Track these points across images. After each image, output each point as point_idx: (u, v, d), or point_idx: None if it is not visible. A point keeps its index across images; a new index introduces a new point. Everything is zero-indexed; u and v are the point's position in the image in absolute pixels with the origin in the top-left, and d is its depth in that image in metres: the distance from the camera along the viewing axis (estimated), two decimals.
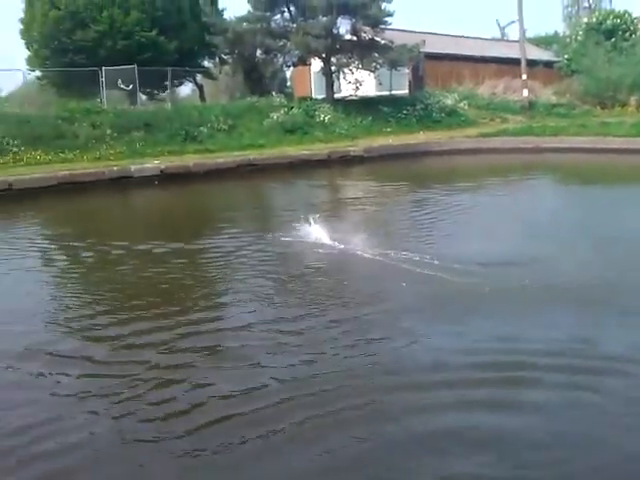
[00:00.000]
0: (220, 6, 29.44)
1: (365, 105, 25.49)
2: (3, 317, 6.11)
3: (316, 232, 8.59)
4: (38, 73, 28.55)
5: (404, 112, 25.67)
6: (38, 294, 6.92)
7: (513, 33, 44.91)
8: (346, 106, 25.11)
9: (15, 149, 17.38)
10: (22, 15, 28.03)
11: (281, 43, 25.10)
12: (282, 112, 22.88)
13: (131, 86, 23.93)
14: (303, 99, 26.00)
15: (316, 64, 27.45)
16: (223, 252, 8.46)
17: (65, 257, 9.05)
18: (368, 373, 4.53)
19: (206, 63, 31.27)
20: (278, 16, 25.72)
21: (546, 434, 3.66)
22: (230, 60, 28.06)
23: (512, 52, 32.12)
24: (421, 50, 25.36)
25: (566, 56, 35.85)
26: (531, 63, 30.92)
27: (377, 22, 24.43)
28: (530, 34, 39.37)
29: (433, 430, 3.74)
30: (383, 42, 24.76)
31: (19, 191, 14.21)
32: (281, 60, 26.80)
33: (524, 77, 29.06)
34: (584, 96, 31.03)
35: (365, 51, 24.71)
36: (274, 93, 25.88)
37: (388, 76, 27.64)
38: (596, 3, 51.30)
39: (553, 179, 16.42)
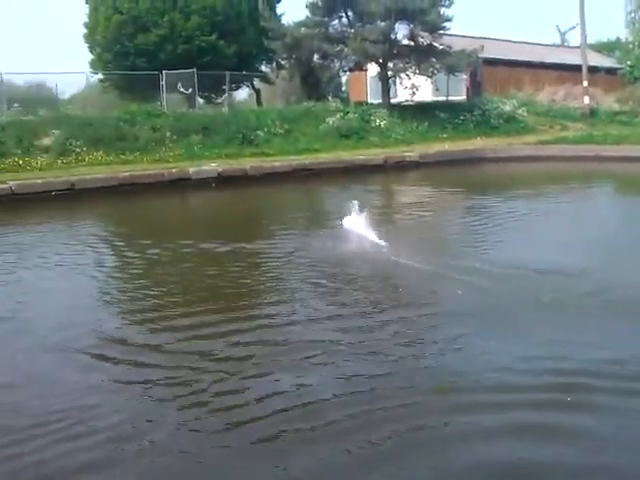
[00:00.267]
0: (278, 11, 29.73)
1: (421, 110, 25.35)
2: (71, 310, 6.28)
3: (369, 236, 8.59)
4: (100, 76, 29.27)
5: (461, 118, 25.44)
6: (103, 288, 7.14)
7: (573, 39, 44.04)
8: (402, 111, 25.03)
9: (78, 150, 17.85)
10: (86, 20, 28.80)
11: (338, 48, 25.17)
12: (338, 117, 22.94)
13: (190, 90, 24.34)
14: (359, 104, 26.00)
15: (372, 69, 27.42)
16: (280, 253, 8.56)
17: (129, 254, 9.20)
18: (415, 380, 4.49)
19: (263, 68, 31.62)
20: (336, 21, 25.86)
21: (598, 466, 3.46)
22: (287, 65, 28.24)
23: (573, 58, 31.50)
24: (479, 55, 25.08)
25: (629, 62, 35.02)
26: (592, 69, 30.26)
27: (435, 27, 24.29)
28: (591, 40, 38.51)
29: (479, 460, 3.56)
30: (441, 47, 24.61)
31: (81, 190, 14.59)
32: (338, 65, 26.84)
33: (585, 84, 28.44)
34: None
35: (422, 56, 24.58)
36: (330, 98, 25.96)
37: (445, 81, 27.42)
38: None
39: (614, 189, 16.03)
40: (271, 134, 21.28)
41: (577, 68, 29.18)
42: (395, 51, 24.70)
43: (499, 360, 4.73)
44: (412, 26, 24.46)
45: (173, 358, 4.94)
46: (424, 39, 24.74)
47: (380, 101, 26.30)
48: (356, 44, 23.87)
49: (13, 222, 12.23)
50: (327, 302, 6.28)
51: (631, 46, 37.53)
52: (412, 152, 20.29)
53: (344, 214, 9.71)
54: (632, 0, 40.39)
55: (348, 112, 23.60)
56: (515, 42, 35.23)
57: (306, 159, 18.64)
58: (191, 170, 16.40)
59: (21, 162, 16.52)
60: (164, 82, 23.62)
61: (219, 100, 28.74)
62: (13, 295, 6.99)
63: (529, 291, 6.24)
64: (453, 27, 24.94)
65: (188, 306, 6.29)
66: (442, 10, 24.41)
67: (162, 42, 26.34)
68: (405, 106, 25.91)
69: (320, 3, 25.19)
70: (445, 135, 23.98)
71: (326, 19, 25.50)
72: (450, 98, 28.47)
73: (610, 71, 34.56)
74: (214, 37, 26.64)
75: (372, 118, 23.69)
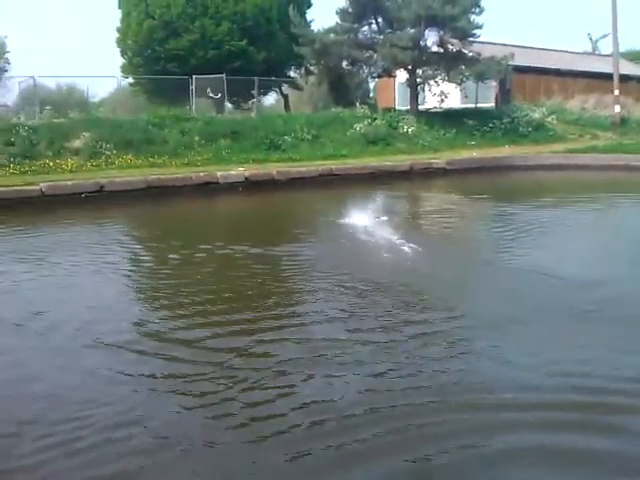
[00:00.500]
0: (308, 17, 29.85)
1: (449, 117, 25.29)
2: (93, 312, 6.36)
3: (393, 242, 8.63)
4: (131, 80, 29.61)
5: (490, 125, 25.33)
6: (128, 292, 7.27)
7: (605, 47, 43.68)
8: (430, 118, 24.97)
9: (107, 152, 18.08)
10: (119, 24, 29.18)
11: (367, 54, 25.22)
12: (365, 123, 22.95)
13: (219, 95, 24.51)
14: (387, 110, 25.97)
15: (401, 75, 27.40)
16: (304, 257, 8.61)
17: (152, 257, 9.34)
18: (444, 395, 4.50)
19: (292, 73, 31.74)
20: (365, 28, 25.86)
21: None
22: (316, 71, 28.33)
23: (604, 67, 31.18)
24: (509, 63, 24.93)
25: None
26: (624, 78, 29.88)
27: (465, 34, 24.18)
28: (623, 48, 38.06)
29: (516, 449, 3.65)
30: (470, 54, 24.51)
31: (110, 192, 14.76)
32: (367, 71, 26.85)
33: (616, 92, 28.14)
34: None
35: (452, 63, 24.51)
36: (358, 104, 25.99)
37: (474, 89, 27.28)
38: None
39: None
40: (298, 139, 21.37)
41: (608, 76, 28.88)
42: (424, 58, 24.65)
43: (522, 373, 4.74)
44: (442, 33, 24.39)
45: (189, 366, 4.94)
46: (454, 46, 24.67)
47: (408, 108, 26.26)
48: (385, 50, 23.88)
49: (43, 222, 12.43)
50: (347, 310, 6.29)
51: None
52: (439, 159, 20.23)
53: (367, 219, 9.78)
54: None
55: (376, 118, 23.60)
56: (545, 50, 34.98)
57: (332, 165, 18.67)
58: (219, 174, 16.53)
59: (52, 164, 16.76)
60: (194, 87, 23.82)
61: (248, 105, 28.92)
62: (47, 293, 7.16)
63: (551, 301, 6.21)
64: (483, 34, 24.83)
65: (218, 305, 6.36)
66: (472, 17, 24.27)
67: (193, 47, 26.60)
68: (433, 113, 25.85)
69: (350, 10, 25.22)
70: (473, 142, 23.88)
71: (356, 25, 25.51)
72: (479, 105, 28.34)
73: None
74: (244, 42, 26.83)
75: (400, 125, 23.68)
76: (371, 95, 35.70)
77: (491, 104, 29.60)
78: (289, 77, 31.41)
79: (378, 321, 5.89)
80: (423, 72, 25.08)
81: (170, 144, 19.31)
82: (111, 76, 27.68)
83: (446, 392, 4.41)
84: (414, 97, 25.95)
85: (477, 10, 24.47)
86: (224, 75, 24.03)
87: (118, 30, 29.24)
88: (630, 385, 4.45)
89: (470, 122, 25.31)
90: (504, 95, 30.22)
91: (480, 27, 24.26)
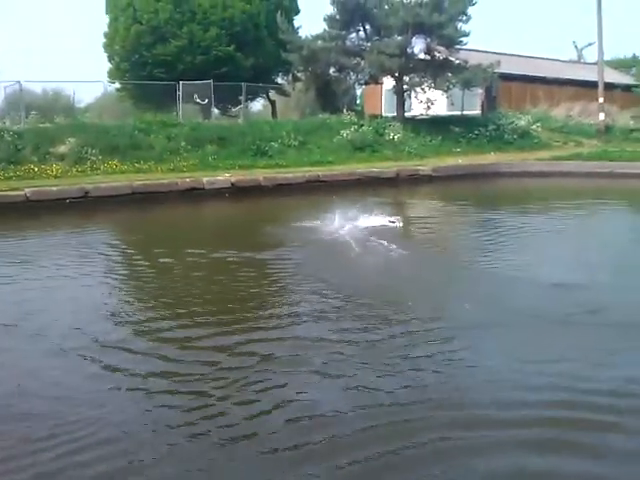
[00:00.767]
0: (296, 24, 29.92)
1: (435, 124, 25.40)
2: (80, 317, 6.34)
3: (377, 246, 8.68)
4: (118, 85, 29.55)
5: (475, 132, 25.45)
6: (113, 297, 7.22)
7: (590, 55, 44.03)
8: (416, 125, 25.08)
9: (93, 158, 17.98)
10: (106, 29, 29.14)
11: (355, 61, 25.29)
12: (352, 129, 23.01)
13: (206, 100, 24.52)
14: (373, 117, 26.08)
15: (388, 82, 27.51)
16: (291, 262, 8.67)
17: (137, 262, 9.30)
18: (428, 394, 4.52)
19: (279, 79, 31.79)
20: (353, 35, 25.92)
21: None
22: (303, 77, 28.39)
23: (589, 75, 31.46)
24: (495, 70, 25.09)
25: None
26: (609, 86, 30.19)
27: (452, 42, 24.33)
28: (608, 57, 38.47)
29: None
30: (457, 62, 24.67)
31: (95, 198, 14.69)
32: (354, 78, 26.95)
33: (601, 100, 28.40)
34: None
35: (438, 70, 24.64)
36: (344, 110, 26.06)
37: (460, 96, 27.44)
38: None
39: (627, 206, 15.96)
40: (285, 146, 21.38)
41: (593, 84, 29.15)
42: (411, 65, 24.75)
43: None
44: (429, 40, 24.52)
45: (176, 366, 5.01)
46: (440, 53, 24.81)
47: (394, 114, 26.37)
48: (372, 57, 23.97)
49: (28, 228, 12.36)
50: (333, 313, 6.30)
51: None
52: (425, 166, 20.31)
53: (353, 224, 9.83)
54: None
55: (362, 125, 23.67)
56: (531, 58, 35.25)
57: (319, 171, 18.70)
58: (205, 180, 16.51)
59: (37, 169, 16.65)
60: (180, 92, 23.80)
61: (235, 111, 28.93)
62: (24, 301, 7.09)
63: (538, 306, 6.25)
64: (470, 42, 25.00)
65: (187, 316, 6.34)
66: (459, 25, 24.39)
67: (180, 53, 26.60)
68: (419, 120, 25.98)
69: (338, 17, 25.29)
70: (459, 149, 23.99)
71: (343, 32, 25.58)
72: (465, 112, 28.51)
73: (627, 88, 34.45)
74: (232, 48, 26.87)
75: (386, 131, 23.76)
76: (358, 102, 35.90)
77: (477, 111, 29.79)
78: (276, 83, 31.46)
79: (361, 322, 5.98)
80: (410, 79, 25.17)
81: (156, 150, 19.26)
82: (97, 81, 27.52)
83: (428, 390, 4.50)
84: (400, 104, 26.06)
85: (464, 18, 24.58)
86: (211, 81, 24.03)
87: (105, 35, 29.19)
88: (605, 399, 4.37)
89: (456, 129, 25.43)
90: (490, 102, 30.41)
91: (467, 35, 24.44)
